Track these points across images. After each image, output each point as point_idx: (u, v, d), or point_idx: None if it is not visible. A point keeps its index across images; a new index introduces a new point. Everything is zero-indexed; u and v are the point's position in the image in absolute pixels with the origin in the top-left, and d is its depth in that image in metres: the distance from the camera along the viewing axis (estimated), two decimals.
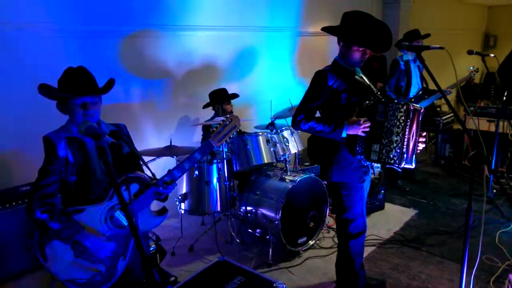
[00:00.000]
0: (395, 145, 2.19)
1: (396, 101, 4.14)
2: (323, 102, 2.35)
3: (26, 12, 3.03)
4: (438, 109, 7.09)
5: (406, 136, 2.19)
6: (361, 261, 2.57)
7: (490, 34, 9.46)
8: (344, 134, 2.26)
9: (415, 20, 6.52)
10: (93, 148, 1.90)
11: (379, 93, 2.43)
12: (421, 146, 2.28)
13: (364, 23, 2.25)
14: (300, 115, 2.33)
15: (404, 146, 2.19)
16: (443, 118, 5.23)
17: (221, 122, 2.18)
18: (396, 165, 2.21)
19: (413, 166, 2.27)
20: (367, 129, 2.24)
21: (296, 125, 2.36)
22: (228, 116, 2.20)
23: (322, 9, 5.39)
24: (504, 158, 4.70)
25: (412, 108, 2.19)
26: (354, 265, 2.51)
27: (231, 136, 2.24)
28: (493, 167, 4.32)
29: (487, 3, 9.07)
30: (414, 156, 2.25)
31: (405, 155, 2.20)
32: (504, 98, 4.59)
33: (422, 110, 2.23)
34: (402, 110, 2.18)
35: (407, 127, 2.18)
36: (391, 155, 2.19)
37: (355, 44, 2.27)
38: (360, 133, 2.24)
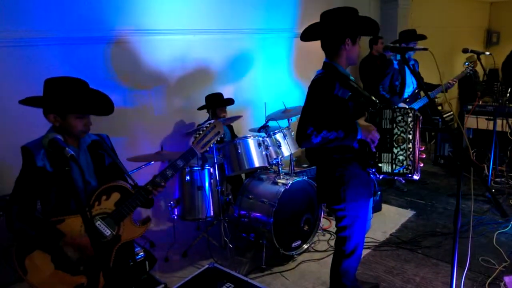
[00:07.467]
0: (408, 153, 1.99)
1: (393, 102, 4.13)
2: (331, 113, 2.07)
3: (8, 21, 3.00)
4: (440, 107, 7.00)
5: (416, 144, 2.01)
6: (354, 274, 2.43)
7: (493, 30, 9.35)
8: (359, 136, 2.01)
9: (414, 19, 6.43)
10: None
11: (376, 100, 2.23)
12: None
13: (348, 15, 2.13)
14: (309, 128, 1.97)
15: (416, 155, 2.02)
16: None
17: (204, 128, 2.18)
18: (410, 176, 2.02)
19: (418, 177, 2.10)
20: (376, 138, 2.02)
21: (306, 140, 1.99)
22: (212, 122, 2.19)
23: (318, 10, 5.32)
24: (504, 157, 4.62)
25: (417, 113, 2.05)
26: (345, 279, 2.37)
27: (216, 141, 2.23)
28: (491, 166, 4.26)
29: None
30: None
31: (416, 164, 2.03)
32: (508, 95, 4.51)
33: (421, 118, 2.13)
34: (411, 115, 2.00)
35: (416, 133, 2.03)
36: (405, 164, 2.00)
37: (354, 37, 2.12)
38: (368, 139, 2.01)
